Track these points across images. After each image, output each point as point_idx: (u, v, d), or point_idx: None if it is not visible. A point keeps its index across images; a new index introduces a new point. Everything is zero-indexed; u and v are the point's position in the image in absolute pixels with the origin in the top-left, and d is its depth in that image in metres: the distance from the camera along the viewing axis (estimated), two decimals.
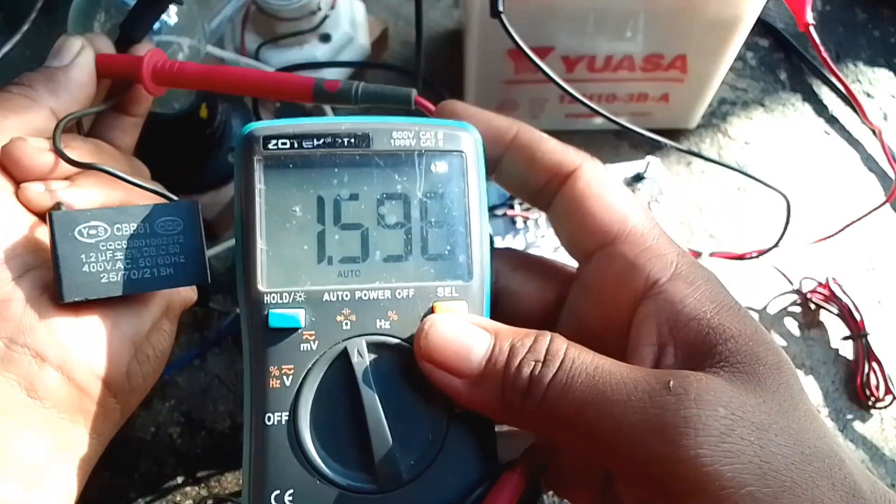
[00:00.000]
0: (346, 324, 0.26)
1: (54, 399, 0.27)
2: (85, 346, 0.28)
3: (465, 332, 0.25)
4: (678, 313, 0.25)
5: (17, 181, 0.30)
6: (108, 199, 0.31)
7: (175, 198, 0.32)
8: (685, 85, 0.58)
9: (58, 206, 0.28)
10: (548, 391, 0.23)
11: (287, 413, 0.25)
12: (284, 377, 0.25)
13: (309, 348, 0.25)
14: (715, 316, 0.24)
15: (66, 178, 0.31)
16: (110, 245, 0.28)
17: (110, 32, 0.37)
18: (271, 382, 0.25)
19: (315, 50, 0.56)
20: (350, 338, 0.26)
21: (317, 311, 0.26)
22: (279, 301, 0.25)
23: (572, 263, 0.30)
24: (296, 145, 0.26)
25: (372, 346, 0.26)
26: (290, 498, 0.24)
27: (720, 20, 0.51)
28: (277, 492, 0.24)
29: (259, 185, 0.26)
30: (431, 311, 0.26)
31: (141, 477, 0.46)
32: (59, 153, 0.30)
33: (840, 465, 0.22)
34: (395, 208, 0.27)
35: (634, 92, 0.59)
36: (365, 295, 0.26)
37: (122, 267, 0.28)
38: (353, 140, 0.26)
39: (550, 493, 0.48)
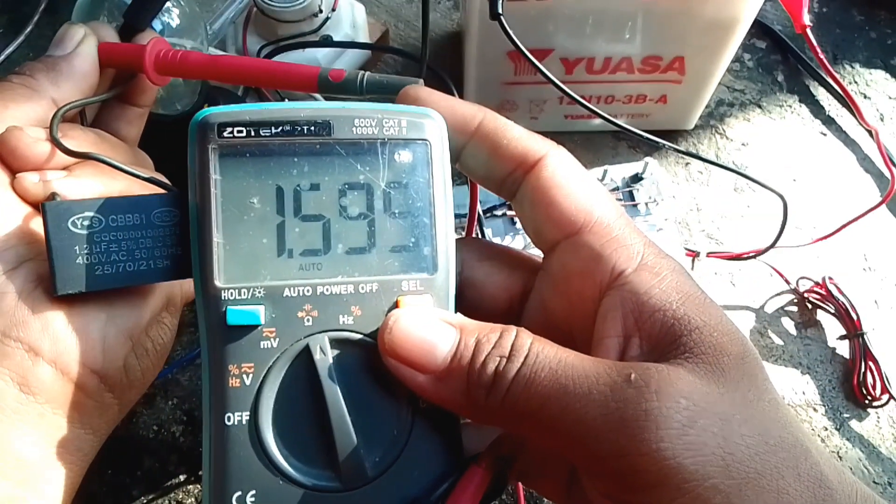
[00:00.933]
0: (308, 320, 0.25)
1: (48, 394, 0.26)
2: (79, 340, 0.27)
3: (429, 327, 0.24)
4: (643, 304, 0.24)
5: (14, 171, 0.29)
6: (107, 189, 0.30)
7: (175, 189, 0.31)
8: (683, 86, 0.58)
9: (52, 196, 0.28)
10: (511, 386, 0.23)
11: (248, 413, 0.24)
12: (244, 376, 0.24)
13: (269, 346, 0.25)
14: (680, 307, 0.24)
15: (65, 169, 0.30)
16: (105, 236, 0.27)
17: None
18: (231, 381, 0.24)
19: (316, 52, 0.56)
20: (312, 334, 0.25)
21: (277, 307, 0.25)
22: (237, 297, 0.24)
23: (540, 254, 0.30)
24: (253, 133, 0.25)
25: (335, 343, 0.25)
26: (253, 499, 0.24)
27: (717, 22, 0.52)
28: (239, 493, 0.24)
29: (214, 175, 0.25)
30: (395, 305, 0.25)
31: (144, 475, 0.46)
32: (56, 142, 0.29)
33: (806, 455, 0.22)
34: (357, 199, 0.26)
35: (633, 93, 0.59)
36: (327, 290, 0.25)
37: (118, 259, 0.27)
38: (313, 128, 0.25)
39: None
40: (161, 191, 0.29)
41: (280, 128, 0.25)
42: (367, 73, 0.31)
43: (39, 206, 0.27)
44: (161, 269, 0.28)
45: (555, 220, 0.26)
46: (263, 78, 0.33)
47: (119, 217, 0.27)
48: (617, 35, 0.53)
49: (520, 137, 0.27)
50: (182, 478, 0.47)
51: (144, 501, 0.46)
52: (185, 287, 0.33)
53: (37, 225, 0.28)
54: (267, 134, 0.25)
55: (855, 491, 0.22)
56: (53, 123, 0.29)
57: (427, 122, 0.26)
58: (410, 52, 0.58)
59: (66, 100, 0.31)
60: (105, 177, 0.30)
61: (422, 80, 0.30)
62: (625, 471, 0.21)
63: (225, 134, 0.25)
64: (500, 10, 0.43)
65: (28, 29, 0.55)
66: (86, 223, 0.26)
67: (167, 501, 0.46)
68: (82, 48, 0.33)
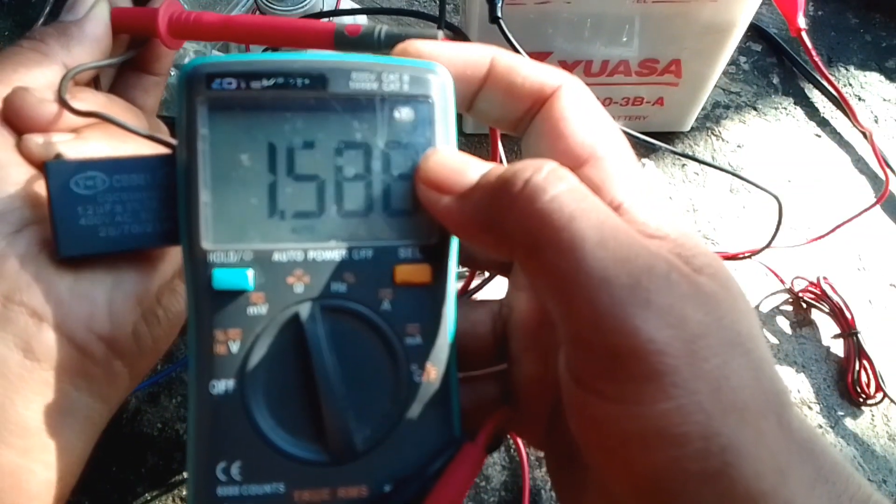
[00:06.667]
0: (299, 286, 0.23)
1: (53, 360, 0.26)
2: (85, 305, 0.26)
3: (465, 158, 0.24)
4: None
5: (20, 133, 0.28)
6: (116, 152, 0.29)
7: None
8: (679, 89, 0.59)
9: (57, 157, 0.26)
10: (546, 192, 0.21)
11: (234, 381, 0.23)
12: (231, 343, 0.23)
13: (257, 312, 0.23)
14: None
15: (73, 132, 0.29)
16: (108, 197, 0.26)
17: None
18: (217, 348, 0.23)
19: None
20: (302, 301, 0.23)
21: (266, 272, 0.23)
22: (225, 260, 0.23)
23: None
24: (244, 85, 0.23)
25: (327, 311, 0.24)
26: (238, 469, 0.23)
27: (714, 25, 0.52)
28: (224, 464, 0.23)
29: (202, 129, 0.23)
30: (392, 274, 0.24)
31: (148, 472, 0.47)
32: (62, 101, 0.28)
33: (788, 405, 0.21)
34: (354, 159, 0.24)
35: (630, 95, 0.60)
36: (319, 255, 0.24)
37: (122, 220, 0.26)
38: (307, 81, 0.23)
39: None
40: (170, 151, 0.28)
41: (273, 80, 0.23)
42: (385, 26, 0.30)
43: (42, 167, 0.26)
44: (168, 232, 0.26)
45: (560, 152, 0.25)
46: (278, 36, 0.32)
47: (123, 177, 0.26)
48: (615, 38, 0.53)
49: (533, 73, 0.26)
50: (185, 475, 0.47)
51: (148, 498, 0.46)
52: None
53: (42, 188, 0.27)
54: (258, 86, 0.23)
55: (827, 455, 0.22)
56: (63, 84, 0.29)
57: (431, 77, 0.24)
58: (426, 13, 0.56)
59: (78, 64, 0.31)
60: (114, 140, 0.30)
61: (441, 33, 0.28)
62: (623, 352, 0.20)
63: (213, 85, 0.23)
64: (499, 14, 0.44)
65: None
66: (89, 183, 0.25)
67: (171, 498, 0.47)
68: (94, 12, 0.32)
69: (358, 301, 0.24)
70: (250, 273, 0.23)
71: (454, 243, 0.25)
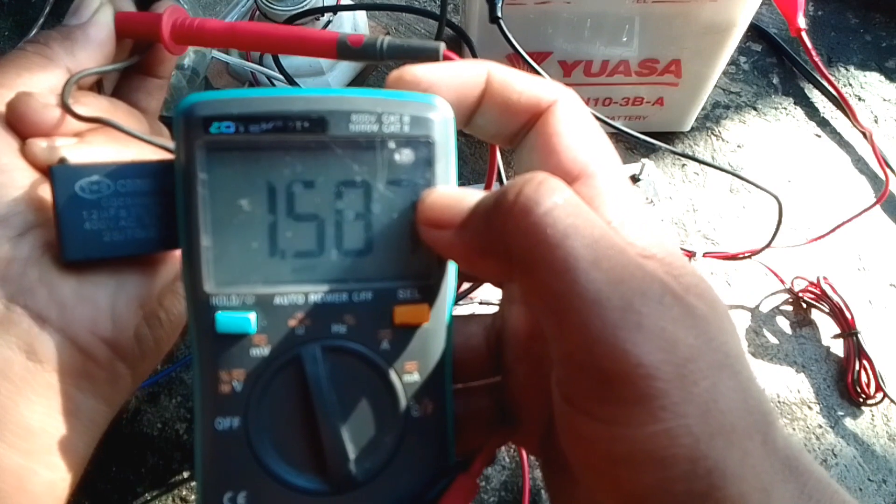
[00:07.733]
0: (300, 329, 0.24)
1: (56, 363, 0.26)
2: (88, 308, 0.26)
3: (463, 190, 0.24)
4: None
5: (23, 137, 0.28)
6: (119, 157, 0.29)
7: None
8: (679, 89, 0.59)
9: (61, 161, 0.26)
10: (540, 206, 0.21)
11: (238, 418, 0.24)
12: (235, 382, 0.24)
13: (260, 353, 0.24)
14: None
15: (77, 136, 0.29)
16: (114, 202, 0.26)
17: None
18: (221, 387, 0.24)
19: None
20: (304, 343, 0.24)
21: (268, 315, 0.24)
22: (227, 304, 0.23)
23: None
24: (242, 129, 0.23)
25: (327, 351, 0.24)
26: (244, 499, 0.24)
27: (714, 25, 0.52)
28: (230, 493, 0.24)
29: (201, 174, 0.23)
30: (391, 314, 0.24)
31: (148, 472, 0.47)
32: (66, 107, 0.28)
33: (773, 423, 0.22)
34: (353, 200, 0.24)
35: (630, 96, 0.60)
36: (319, 298, 0.24)
37: (127, 225, 0.26)
38: (307, 124, 0.23)
39: None
40: (173, 157, 0.28)
41: (272, 123, 0.23)
42: (388, 38, 0.31)
43: (48, 171, 0.26)
44: (171, 237, 0.26)
45: (552, 167, 0.25)
46: (282, 44, 0.32)
47: (128, 182, 0.26)
48: (615, 38, 0.54)
49: (528, 88, 0.26)
50: (185, 475, 0.47)
51: (148, 498, 0.46)
52: None
53: (45, 192, 0.27)
54: (257, 130, 0.23)
55: (811, 472, 0.22)
56: (66, 89, 0.29)
57: (432, 115, 0.24)
58: (424, 9, 0.55)
59: (82, 69, 0.31)
60: (117, 144, 0.30)
61: (443, 45, 0.28)
62: (613, 375, 0.20)
63: (211, 129, 0.23)
64: (499, 14, 0.44)
65: (33, 31, 0.56)
66: (94, 188, 0.26)
67: (171, 498, 0.47)
68: (98, 17, 0.32)
69: (358, 342, 0.24)
70: (252, 317, 0.23)
71: (451, 282, 0.25)
